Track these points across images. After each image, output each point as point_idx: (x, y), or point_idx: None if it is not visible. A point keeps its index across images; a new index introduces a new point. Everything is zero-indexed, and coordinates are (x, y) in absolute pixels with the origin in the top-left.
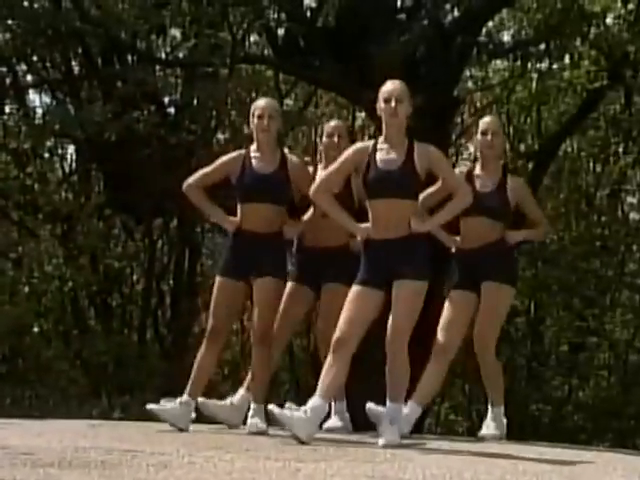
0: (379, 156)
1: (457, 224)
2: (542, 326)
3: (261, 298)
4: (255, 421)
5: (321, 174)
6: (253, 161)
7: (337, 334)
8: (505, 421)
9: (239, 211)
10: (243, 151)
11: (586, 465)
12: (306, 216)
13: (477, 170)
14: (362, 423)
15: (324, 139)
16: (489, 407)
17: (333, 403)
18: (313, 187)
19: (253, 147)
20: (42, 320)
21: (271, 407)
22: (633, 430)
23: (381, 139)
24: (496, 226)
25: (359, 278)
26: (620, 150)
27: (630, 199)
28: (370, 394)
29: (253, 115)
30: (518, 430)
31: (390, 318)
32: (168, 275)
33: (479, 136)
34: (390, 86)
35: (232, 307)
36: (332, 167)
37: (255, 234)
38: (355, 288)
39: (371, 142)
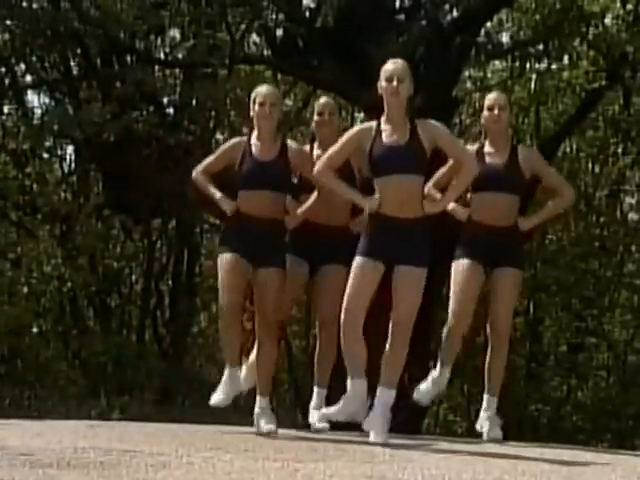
0: (384, 135)
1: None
2: (541, 326)
3: (266, 290)
4: (263, 421)
5: (323, 154)
6: (253, 149)
7: (346, 307)
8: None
9: (238, 197)
10: (244, 138)
11: (585, 465)
12: (309, 200)
13: (486, 147)
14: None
15: (315, 117)
16: (485, 396)
17: (316, 388)
18: (316, 167)
19: (254, 135)
20: (41, 320)
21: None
22: (632, 430)
23: (383, 119)
24: (511, 200)
25: (363, 250)
26: (619, 150)
27: (629, 199)
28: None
29: (254, 102)
30: (517, 430)
31: (397, 305)
32: (167, 275)
33: (485, 112)
34: (391, 65)
35: (241, 285)
36: (334, 147)
37: (255, 218)
38: (360, 260)
39: (374, 123)
